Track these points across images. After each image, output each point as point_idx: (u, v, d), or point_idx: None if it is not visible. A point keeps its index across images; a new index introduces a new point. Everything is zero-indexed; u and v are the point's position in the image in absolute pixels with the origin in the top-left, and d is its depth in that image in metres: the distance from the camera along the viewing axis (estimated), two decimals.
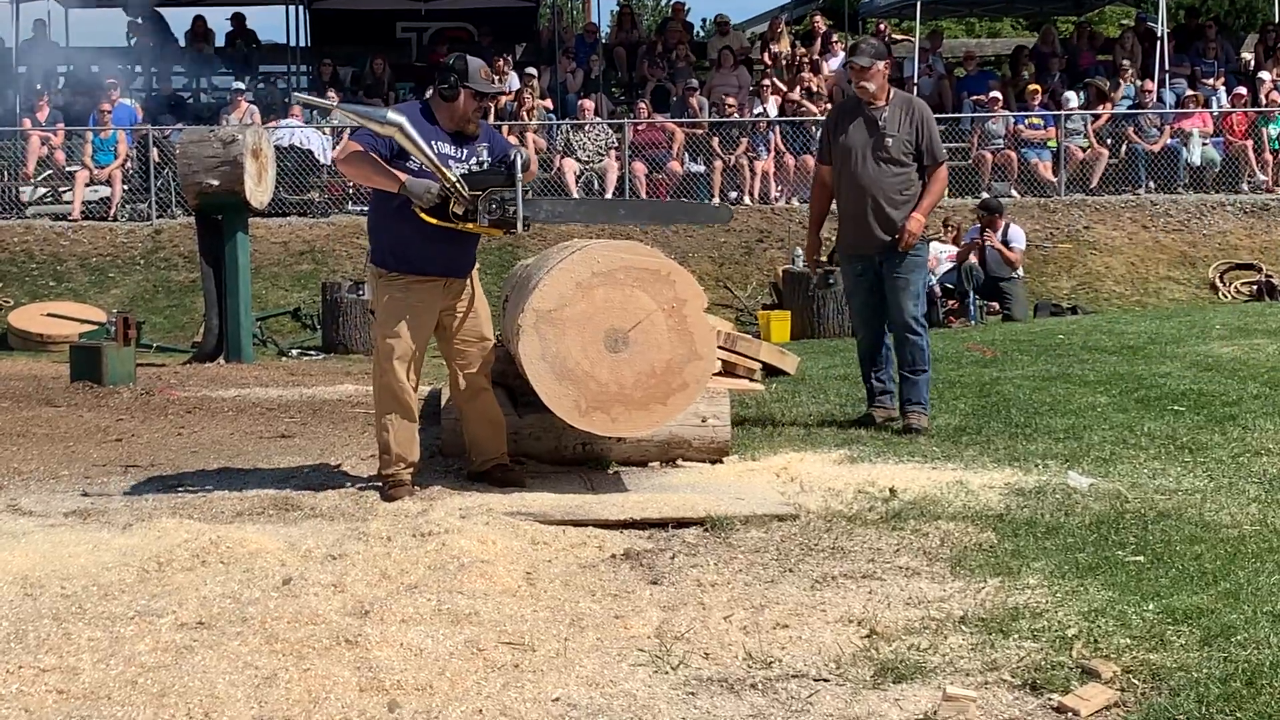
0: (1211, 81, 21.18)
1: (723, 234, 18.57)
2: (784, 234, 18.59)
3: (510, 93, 18.80)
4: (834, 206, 8.54)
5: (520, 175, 6.49)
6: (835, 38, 22.68)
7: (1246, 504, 6.02)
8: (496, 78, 6.35)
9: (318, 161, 18.75)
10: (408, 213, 6.52)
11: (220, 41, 22.58)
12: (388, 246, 6.68)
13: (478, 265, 6.97)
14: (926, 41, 22.39)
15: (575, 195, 18.65)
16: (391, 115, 6.46)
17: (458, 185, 6.44)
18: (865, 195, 8.20)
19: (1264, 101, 20.49)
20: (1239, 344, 11.04)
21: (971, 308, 15.91)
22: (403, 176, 6.48)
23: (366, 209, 7.28)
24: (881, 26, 25.29)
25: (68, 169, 18.83)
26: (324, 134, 19.06)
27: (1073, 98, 20.22)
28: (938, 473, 6.90)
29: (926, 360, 8.32)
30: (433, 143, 6.52)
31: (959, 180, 19.82)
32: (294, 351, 15.32)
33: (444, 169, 6.45)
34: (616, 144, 19.03)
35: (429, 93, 6.84)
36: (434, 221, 6.49)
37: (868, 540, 5.65)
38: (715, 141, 19.34)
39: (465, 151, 6.66)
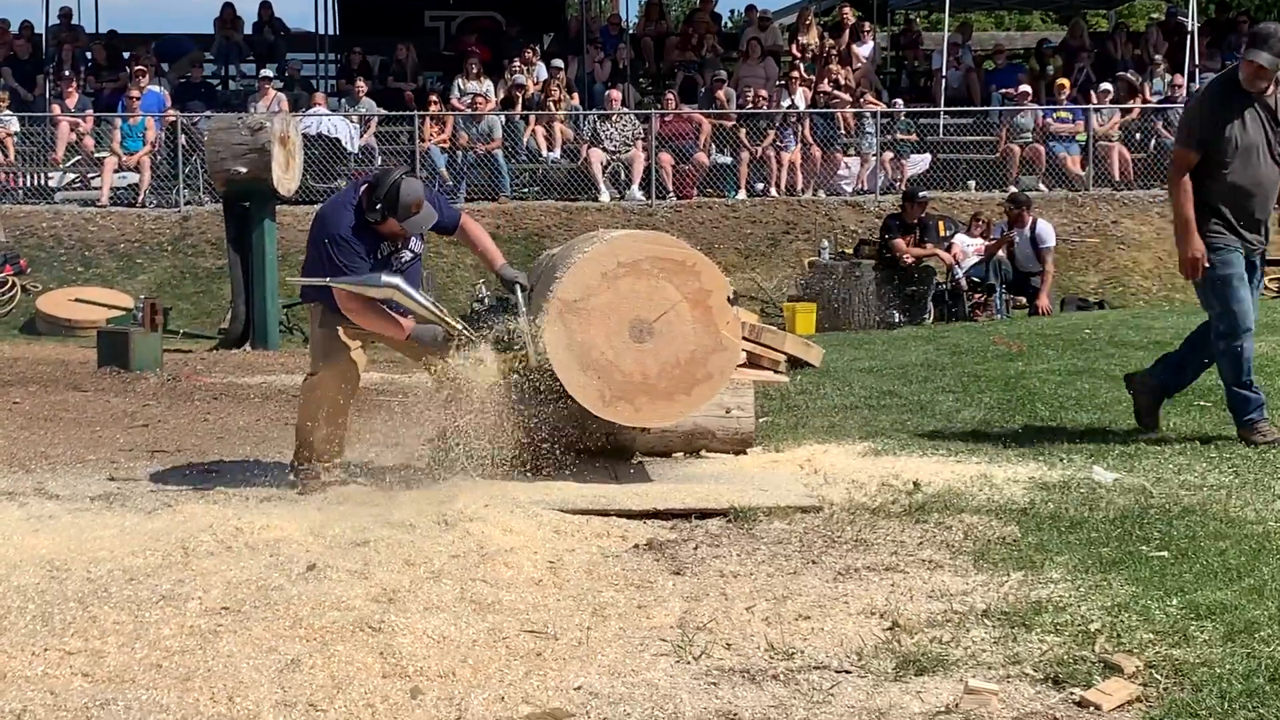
0: None
1: (748, 225, 18.55)
2: (810, 226, 18.55)
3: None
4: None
5: (525, 309, 6.49)
6: (867, 26, 22.58)
7: (1272, 500, 5.99)
8: (417, 212, 6.41)
9: (345, 150, 18.79)
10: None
11: (248, 29, 22.60)
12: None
13: None
14: (956, 34, 22.32)
15: (601, 185, 18.69)
16: (386, 278, 6.44)
17: (463, 330, 6.49)
18: (1267, 194, 7.87)
19: None
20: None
21: (998, 302, 15.85)
22: (407, 324, 6.53)
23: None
24: (911, 18, 25.20)
25: (96, 155, 18.91)
26: (352, 123, 19.09)
27: (1108, 90, 20.08)
28: (962, 466, 6.88)
29: None
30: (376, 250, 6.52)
31: (986, 174, 19.76)
32: None
33: (447, 317, 6.52)
34: (643, 135, 19.05)
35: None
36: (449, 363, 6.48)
37: (891, 533, 5.64)
38: (743, 133, 19.32)
39: (390, 247, 6.62)
